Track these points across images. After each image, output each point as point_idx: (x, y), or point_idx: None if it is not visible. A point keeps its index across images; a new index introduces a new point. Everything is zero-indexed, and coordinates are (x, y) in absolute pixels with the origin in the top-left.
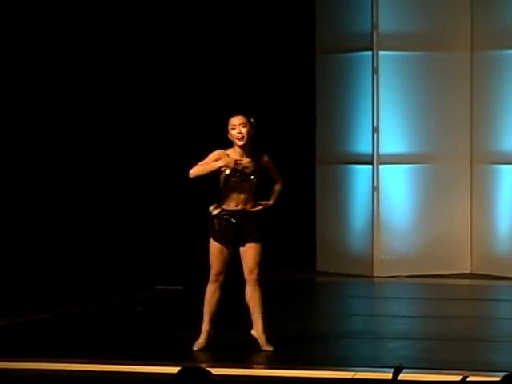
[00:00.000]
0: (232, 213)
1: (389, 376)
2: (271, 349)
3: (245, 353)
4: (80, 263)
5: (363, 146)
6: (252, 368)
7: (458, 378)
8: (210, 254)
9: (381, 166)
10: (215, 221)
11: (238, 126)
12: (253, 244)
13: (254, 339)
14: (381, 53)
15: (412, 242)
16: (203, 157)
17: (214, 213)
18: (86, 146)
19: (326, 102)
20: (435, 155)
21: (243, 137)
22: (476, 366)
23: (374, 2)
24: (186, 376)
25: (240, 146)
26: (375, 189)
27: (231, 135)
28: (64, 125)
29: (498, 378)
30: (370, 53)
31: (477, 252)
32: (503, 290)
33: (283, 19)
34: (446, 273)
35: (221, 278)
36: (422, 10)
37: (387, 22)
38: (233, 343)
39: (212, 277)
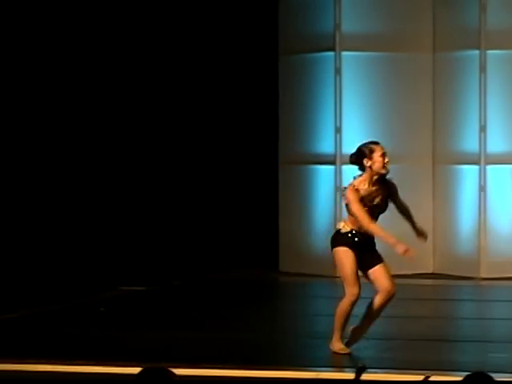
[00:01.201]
0: (360, 234)
1: (352, 376)
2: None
3: (211, 353)
4: (44, 264)
5: (326, 146)
6: (214, 368)
7: (421, 377)
8: (344, 267)
9: (344, 167)
10: (347, 235)
11: (385, 155)
12: (382, 264)
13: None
14: (343, 53)
15: None
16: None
17: (344, 231)
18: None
19: (288, 102)
20: (397, 155)
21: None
22: (439, 365)
23: (337, 3)
24: (147, 376)
25: (381, 175)
26: (338, 189)
27: (376, 161)
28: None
29: (460, 378)
30: (332, 53)
31: (439, 252)
32: (465, 290)
33: (246, 20)
34: (409, 273)
35: (360, 291)
36: (384, 10)
37: (350, 22)
38: (198, 344)
39: (352, 291)
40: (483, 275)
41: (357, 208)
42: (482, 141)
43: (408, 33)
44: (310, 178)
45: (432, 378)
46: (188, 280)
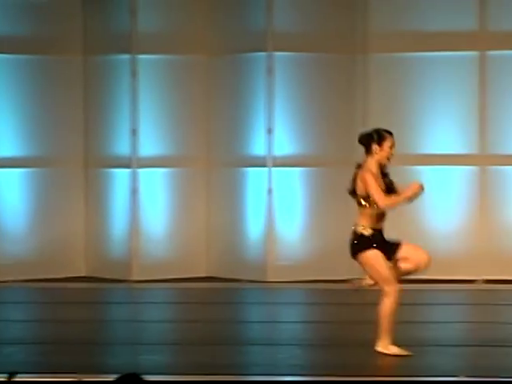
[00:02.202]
0: (379, 231)
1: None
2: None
3: None
4: None
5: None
6: None
7: (74, 379)
8: (380, 269)
9: (2, 170)
10: (371, 237)
11: (393, 148)
12: (403, 243)
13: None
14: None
15: (26, 246)
16: None
17: (367, 234)
18: None
19: None
20: (49, 159)
21: None
22: (90, 368)
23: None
24: None
25: (385, 165)
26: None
27: (383, 151)
28: None
29: (111, 379)
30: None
31: (91, 255)
32: (118, 293)
33: None
34: (61, 276)
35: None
36: (33, 13)
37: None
38: None
39: (393, 288)
40: (136, 278)
41: (375, 189)
42: (134, 144)
43: (58, 35)
44: None
45: (83, 379)
46: None
